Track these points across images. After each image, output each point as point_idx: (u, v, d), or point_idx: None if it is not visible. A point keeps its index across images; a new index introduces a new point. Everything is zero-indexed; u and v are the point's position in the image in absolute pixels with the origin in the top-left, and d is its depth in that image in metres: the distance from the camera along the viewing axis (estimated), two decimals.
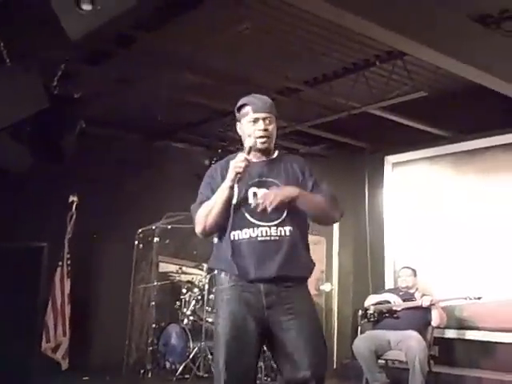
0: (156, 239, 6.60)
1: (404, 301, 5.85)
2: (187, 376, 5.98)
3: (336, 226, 7.69)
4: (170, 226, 6.56)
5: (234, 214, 2.68)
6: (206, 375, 5.96)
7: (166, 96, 6.30)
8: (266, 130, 2.72)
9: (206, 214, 2.68)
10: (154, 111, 6.70)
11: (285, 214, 2.64)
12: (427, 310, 5.76)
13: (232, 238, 2.67)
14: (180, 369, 5.99)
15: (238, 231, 2.66)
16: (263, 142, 2.73)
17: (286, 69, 5.83)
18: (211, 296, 6.34)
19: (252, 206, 2.62)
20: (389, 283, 7.00)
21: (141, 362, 6.40)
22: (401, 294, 5.97)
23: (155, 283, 6.62)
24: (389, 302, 5.88)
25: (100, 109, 6.48)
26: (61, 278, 6.28)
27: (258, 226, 2.64)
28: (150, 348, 6.38)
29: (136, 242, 6.69)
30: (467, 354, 6.25)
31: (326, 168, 7.47)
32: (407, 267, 6.19)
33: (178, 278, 6.86)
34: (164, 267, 7.12)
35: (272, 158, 2.81)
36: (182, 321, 6.43)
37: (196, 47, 5.29)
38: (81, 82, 5.67)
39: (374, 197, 7.42)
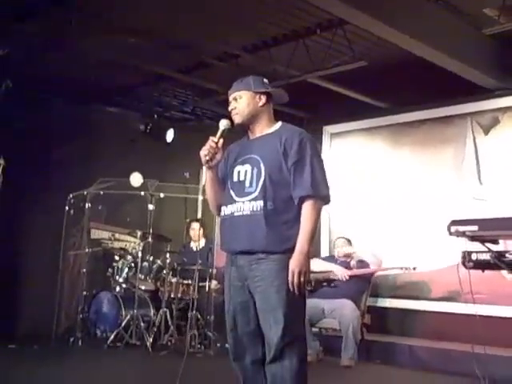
0: (88, 205, 6.39)
1: None
2: (119, 344, 5.84)
3: None
4: (102, 192, 6.36)
5: (225, 190, 2.82)
6: (139, 343, 5.87)
7: (100, 58, 6.07)
8: (233, 108, 2.82)
9: (206, 194, 2.91)
10: (88, 73, 6.45)
11: (259, 189, 2.69)
12: (362, 279, 5.87)
13: (221, 213, 2.82)
14: (111, 337, 5.85)
15: (224, 207, 2.79)
16: (234, 119, 2.81)
17: (224, 33, 5.69)
18: (144, 263, 6.25)
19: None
20: (324, 252, 7.06)
21: (70, 331, 6.22)
22: (338, 262, 6.03)
23: (86, 250, 6.43)
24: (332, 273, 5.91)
25: (30, 69, 6.19)
26: None
27: (236, 201, 2.74)
28: (81, 316, 6.19)
29: (67, 208, 6.45)
30: (399, 322, 6.38)
31: None
32: (342, 237, 6.26)
33: (110, 245, 6.69)
34: (96, 234, 6.95)
35: (266, 134, 2.83)
36: (114, 288, 6.30)
37: (132, 7, 5.10)
38: (7, 40, 5.39)
39: None
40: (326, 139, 7.35)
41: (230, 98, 2.86)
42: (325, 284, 5.82)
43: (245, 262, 2.67)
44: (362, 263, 6.06)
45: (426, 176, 6.42)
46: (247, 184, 2.72)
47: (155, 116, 7.72)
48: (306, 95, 6.67)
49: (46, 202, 6.48)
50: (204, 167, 2.81)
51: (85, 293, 6.33)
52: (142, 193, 6.44)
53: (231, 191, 2.78)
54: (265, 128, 2.82)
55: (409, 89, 6.08)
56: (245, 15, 5.35)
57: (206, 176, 2.84)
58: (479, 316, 4.95)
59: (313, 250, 6.86)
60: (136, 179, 6.66)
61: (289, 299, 2.58)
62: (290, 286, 2.56)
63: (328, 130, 7.30)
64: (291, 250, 2.61)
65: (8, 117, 6.08)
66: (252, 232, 2.65)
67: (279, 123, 2.85)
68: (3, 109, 5.88)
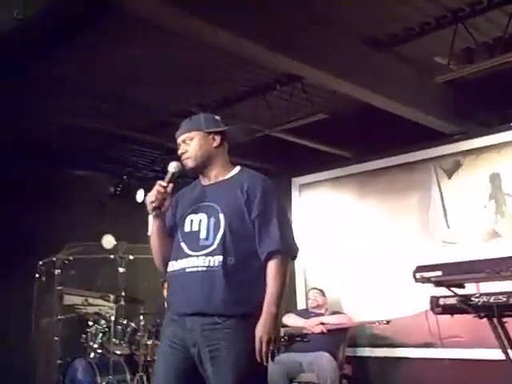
0: (57, 271, 6.32)
1: None
2: None
3: None
4: (71, 258, 6.32)
5: (174, 243, 2.50)
6: None
7: (62, 121, 6.10)
8: (183, 152, 2.54)
9: (151, 246, 2.56)
10: (51, 137, 6.49)
11: (217, 242, 2.37)
12: (338, 331, 5.82)
13: (169, 269, 2.48)
14: None
15: (174, 262, 2.45)
16: (186, 164, 2.54)
17: (186, 92, 5.76)
18: (118, 327, 6.16)
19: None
20: (301, 304, 7.00)
21: None
22: (312, 315, 5.99)
23: (59, 316, 6.33)
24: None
25: None
26: None
27: (189, 255, 2.40)
28: None
29: (37, 275, 6.39)
30: (380, 371, 6.29)
31: None
32: (315, 288, 6.27)
33: (84, 311, 6.57)
34: (69, 300, 6.83)
35: (223, 179, 2.55)
36: (89, 355, 6.17)
37: (93, 71, 5.16)
38: None
39: None
40: (295, 191, 7.38)
41: (179, 140, 2.56)
42: (298, 339, 5.77)
43: (195, 326, 2.32)
44: (336, 314, 6.02)
45: (393, 223, 6.43)
46: (202, 236, 2.40)
47: (125, 177, 7.73)
48: (272, 148, 6.76)
49: (16, 272, 6.39)
50: (150, 216, 2.46)
51: (59, 361, 6.20)
52: (112, 256, 6.39)
53: (182, 243, 2.44)
54: (221, 172, 2.55)
55: (371, 138, 6.16)
56: (205, 74, 5.43)
57: (151, 226, 2.48)
58: (458, 360, 4.95)
59: (287, 305, 6.78)
60: (108, 241, 6.62)
61: (248, 377, 2.26)
62: (258, 355, 2.25)
63: (297, 181, 7.35)
64: (253, 314, 2.31)
65: None
66: (208, 291, 2.31)
67: (238, 167, 2.59)
68: None
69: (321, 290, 6.20)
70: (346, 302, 6.50)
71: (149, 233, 2.51)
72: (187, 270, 2.38)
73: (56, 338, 6.23)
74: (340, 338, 5.84)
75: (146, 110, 6.07)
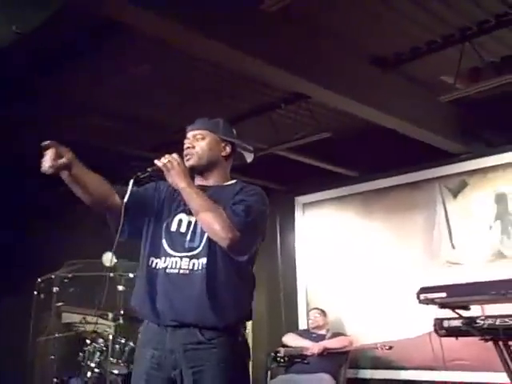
0: (55, 288, 6.21)
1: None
2: None
3: None
4: (70, 275, 6.22)
5: (151, 237, 2.35)
6: None
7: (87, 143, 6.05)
8: (189, 146, 2.41)
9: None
10: None
11: (203, 244, 2.22)
12: (339, 352, 5.72)
13: (150, 264, 2.30)
14: None
15: (153, 258, 2.30)
16: (187, 159, 2.38)
17: (189, 111, 5.69)
18: (116, 346, 6.04)
19: None
20: (302, 325, 6.91)
21: None
22: (313, 336, 5.91)
23: (56, 335, 6.22)
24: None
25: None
26: None
27: (171, 255, 2.25)
28: None
29: (35, 292, 6.29)
30: None
31: None
32: (316, 308, 6.21)
33: (81, 329, 6.47)
34: (67, 317, 6.73)
35: (220, 185, 2.41)
36: (86, 374, 6.05)
37: (97, 90, 5.12)
38: None
39: (286, 238, 7.37)
40: (298, 210, 7.32)
41: (189, 135, 2.45)
42: (298, 360, 5.67)
43: (177, 345, 2.16)
44: (338, 336, 5.91)
45: (397, 243, 6.36)
46: (188, 237, 2.27)
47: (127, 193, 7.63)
48: (276, 167, 6.70)
49: (14, 289, 6.29)
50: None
51: (55, 380, 6.07)
52: (112, 274, 6.28)
53: (163, 241, 2.30)
54: (219, 181, 2.43)
55: (376, 157, 6.13)
56: (210, 93, 5.38)
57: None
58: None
59: (287, 324, 6.61)
60: (108, 259, 6.53)
61: None
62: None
63: (300, 200, 7.30)
64: (238, 329, 2.22)
65: None
66: (189, 296, 2.16)
67: (235, 180, 2.47)
68: None
69: (322, 310, 6.12)
70: (348, 323, 6.42)
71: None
72: (167, 271, 2.24)
73: (52, 357, 6.11)
74: (341, 360, 5.76)
75: (152, 128, 6.01)
